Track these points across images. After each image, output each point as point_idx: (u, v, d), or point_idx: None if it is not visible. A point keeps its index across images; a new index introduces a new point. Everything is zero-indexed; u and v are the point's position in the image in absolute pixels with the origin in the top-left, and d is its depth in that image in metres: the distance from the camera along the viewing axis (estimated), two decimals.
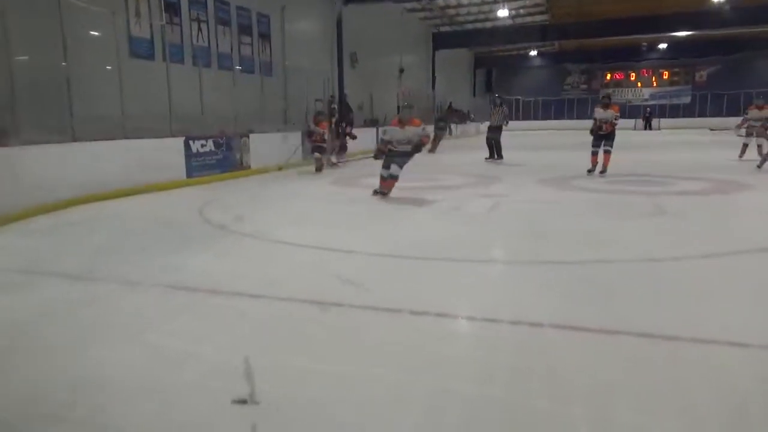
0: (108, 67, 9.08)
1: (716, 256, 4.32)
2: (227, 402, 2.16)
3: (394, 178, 7.27)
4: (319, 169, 11.19)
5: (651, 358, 2.53)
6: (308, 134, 11.55)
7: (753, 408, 2.10)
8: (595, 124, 9.53)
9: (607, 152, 9.44)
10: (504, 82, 37.96)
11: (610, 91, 14.82)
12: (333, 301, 3.33)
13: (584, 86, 36.85)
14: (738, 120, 12.60)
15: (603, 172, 9.42)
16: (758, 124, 11.16)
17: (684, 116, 32.97)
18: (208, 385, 2.32)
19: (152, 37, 10.39)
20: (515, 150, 17.04)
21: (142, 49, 10.18)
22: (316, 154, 11.28)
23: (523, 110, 36.39)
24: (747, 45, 29.09)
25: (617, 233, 5.29)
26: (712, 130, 12.91)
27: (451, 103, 26.82)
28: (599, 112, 9.52)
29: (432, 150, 15.96)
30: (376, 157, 7.51)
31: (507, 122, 13.12)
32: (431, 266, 4.24)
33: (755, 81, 30.34)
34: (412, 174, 9.60)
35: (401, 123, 7.32)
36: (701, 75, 34.36)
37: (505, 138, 13.34)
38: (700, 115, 32.29)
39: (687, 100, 34.32)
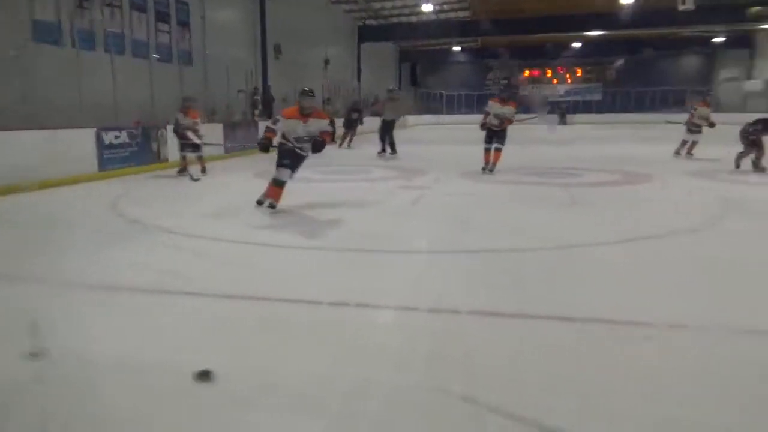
0: (11, 53, 8.47)
1: (626, 242, 4.63)
2: (157, 398, 2.11)
3: (280, 185, 5.83)
4: (182, 171, 9.11)
5: (565, 342, 2.67)
6: (175, 127, 9.09)
7: (661, 386, 2.25)
8: (486, 117, 8.90)
9: (498, 150, 8.92)
10: (428, 76, 38.55)
11: (506, 83, 14.98)
12: (256, 296, 3.30)
13: (504, 81, 38.03)
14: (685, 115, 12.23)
15: (492, 170, 8.96)
16: (701, 122, 11.28)
17: (596, 112, 34.75)
18: (130, 384, 2.24)
19: (59, 21, 9.76)
20: (438, 143, 17.40)
21: (47, 34, 9.54)
22: (184, 153, 9.09)
23: (447, 104, 37.13)
24: (650, 45, 31.14)
25: (535, 222, 5.53)
26: (669, 122, 13.13)
27: (377, 96, 26.94)
28: (496, 107, 8.88)
29: (344, 144, 15.23)
30: (262, 149, 5.92)
31: (401, 116, 12.62)
32: (354, 258, 4.28)
33: (657, 79, 32.64)
34: (336, 168, 9.60)
35: (303, 114, 5.73)
36: (611, 73, 36.33)
37: (431, 131, 13.56)
38: (610, 111, 34.15)
39: (599, 96, 36.21)
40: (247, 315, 3.06)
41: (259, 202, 6.05)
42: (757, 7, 22.49)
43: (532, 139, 14.11)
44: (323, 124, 5.88)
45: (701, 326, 2.82)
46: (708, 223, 5.32)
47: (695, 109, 11.72)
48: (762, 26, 26.60)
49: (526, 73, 38.12)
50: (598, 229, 5.19)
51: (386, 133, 12.60)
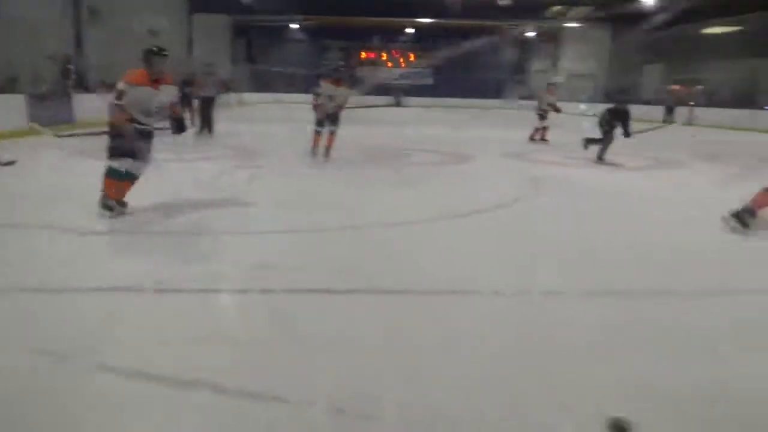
0: None
1: (452, 217, 5.03)
2: None
3: (132, 178, 4.59)
4: None
5: (396, 314, 2.87)
6: None
7: (489, 348, 2.52)
8: (318, 98, 8.27)
9: (333, 132, 8.42)
10: (264, 52, 37.56)
11: (341, 64, 14.87)
12: (84, 287, 3.06)
13: (342, 62, 38.48)
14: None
15: (327, 153, 8.46)
16: (548, 108, 11.92)
17: (427, 96, 36.76)
18: None
19: None
20: (275, 122, 17.16)
21: None
22: None
23: (284, 82, 36.62)
24: (476, 35, 33.71)
25: (368, 201, 5.78)
26: (520, 107, 14.08)
27: (208, 69, 25.67)
28: (330, 88, 8.28)
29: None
30: (129, 140, 4.44)
31: (220, 93, 12.00)
32: (183, 242, 4.13)
33: (482, 67, 35.41)
34: (167, 146, 9.03)
35: (152, 79, 4.45)
36: (440, 59, 38.60)
37: (268, 109, 13.29)
38: (439, 96, 36.35)
39: (430, 81, 38.30)
40: (52, 305, 2.83)
41: (110, 207, 4.54)
42: (557, 7, 25.55)
43: (366, 120, 14.54)
44: (173, 91, 4.84)
45: (519, 291, 3.21)
46: (522, 199, 6.01)
47: (541, 97, 12.50)
48: (563, 24, 30.26)
49: (363, 55, 38.96)
50: (426, 206, 5.57)
51: (205, 112, 11.84)
